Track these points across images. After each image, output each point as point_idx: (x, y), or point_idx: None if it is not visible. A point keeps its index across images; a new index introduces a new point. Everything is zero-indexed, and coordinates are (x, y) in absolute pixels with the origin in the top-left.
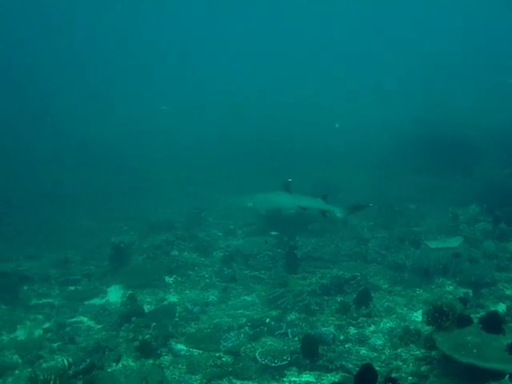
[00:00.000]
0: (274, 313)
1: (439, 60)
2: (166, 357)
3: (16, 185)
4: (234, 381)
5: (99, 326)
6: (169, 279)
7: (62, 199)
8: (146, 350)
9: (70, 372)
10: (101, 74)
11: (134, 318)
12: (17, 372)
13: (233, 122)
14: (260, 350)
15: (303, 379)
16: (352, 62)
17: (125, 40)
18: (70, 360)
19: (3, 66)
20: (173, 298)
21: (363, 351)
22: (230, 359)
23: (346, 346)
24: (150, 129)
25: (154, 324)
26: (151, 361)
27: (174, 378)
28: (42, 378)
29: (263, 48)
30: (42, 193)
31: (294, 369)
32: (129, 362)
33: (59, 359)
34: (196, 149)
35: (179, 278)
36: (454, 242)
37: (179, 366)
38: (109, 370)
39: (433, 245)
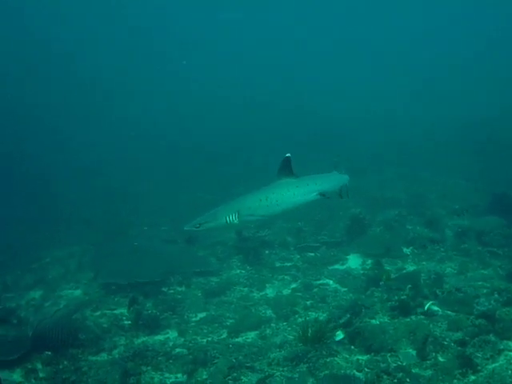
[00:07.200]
0: None
1: None
2: (422, 316)
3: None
4: (495, 339)
5: (345, 289)
6: (406, 250)
7: None
8: (403, 309)
9: (330, 325)
10: None
11: (381, 282)
12: (273, 325)
13: None
14: None
15: None
16: None
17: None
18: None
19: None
20: (411, 268)
21: None
22: (484, 321)
23: None
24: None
25: (410, 286)
26: (408, 319)
27: (436, 333)
28: (310, 329)
29: None
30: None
31: None
32: (385, 319)
33: (313, 315)
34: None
35: (416, 250)
36: None
37: (439, 324)
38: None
39: None
